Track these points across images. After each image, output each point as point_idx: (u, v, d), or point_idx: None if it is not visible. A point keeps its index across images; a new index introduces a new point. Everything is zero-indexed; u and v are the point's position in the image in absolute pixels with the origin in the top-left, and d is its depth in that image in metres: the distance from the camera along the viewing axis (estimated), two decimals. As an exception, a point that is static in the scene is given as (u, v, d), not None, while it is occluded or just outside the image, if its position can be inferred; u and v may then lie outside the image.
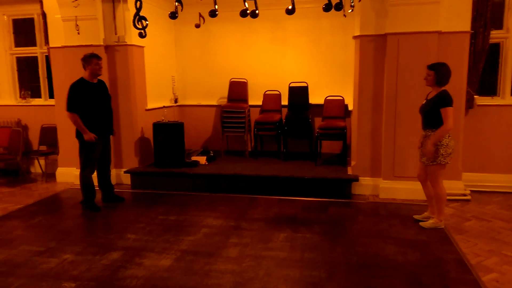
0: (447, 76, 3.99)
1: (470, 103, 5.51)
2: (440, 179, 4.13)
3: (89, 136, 4.72)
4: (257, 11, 5.59)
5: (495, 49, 5.63)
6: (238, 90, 7.08)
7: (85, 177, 4.89)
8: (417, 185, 5.13)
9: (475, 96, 5.53)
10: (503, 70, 5.65)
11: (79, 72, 5.85)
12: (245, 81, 7.08)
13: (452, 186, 5.24)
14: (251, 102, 7.02)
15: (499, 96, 5.73)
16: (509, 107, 5.59)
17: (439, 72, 3.96)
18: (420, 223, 4.29)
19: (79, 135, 4.83)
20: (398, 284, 3.11)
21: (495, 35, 5.50)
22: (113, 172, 6.08)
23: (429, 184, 4.27)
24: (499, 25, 5.54)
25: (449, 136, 3.99)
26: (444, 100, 3.93)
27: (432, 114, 4.02)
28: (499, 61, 5.66)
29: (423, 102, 4.19)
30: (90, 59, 4.75)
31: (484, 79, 5.70)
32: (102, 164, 5.11)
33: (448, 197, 5.14)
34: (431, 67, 4.03)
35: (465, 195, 5.22)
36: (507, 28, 5.54)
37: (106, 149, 5.07)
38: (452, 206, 4.97)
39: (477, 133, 5.63)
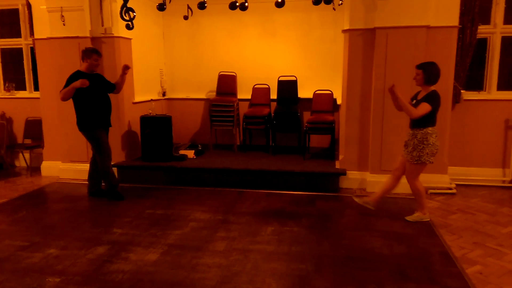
0: (435, 75, 3.96)
1: (457, 98, 5.55)
2: (417, 177, 4.17)
3: (79, 81, 4.57)
4: (246, 4, 5.57)
5: (483, 44, 5.68)
6: (227, 83, 7.04)
7: (105, 165, 4.92)
8: (404, 179, 5.17)
9: (462, 91, 5.58)
10: (490, 65, 5.70)
11: (65, 64, 5.79)
12: (234, 74, 7.04)
13: (438, 180, 5.30)
14: (240, 96, 6.99)
15: (485, 91, 5.79)
16: (495, 102, 5.65)
17: (427, 71, 3.95)
18: (406, 217, 4.33)
19: (81, 126, 4.82)
20: (384, 277, 3.13)
21: (482, 30, 5.54)
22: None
23: (398, 180, 4.29)
24: (486, 20, 5.58)
25: (436, 136, 4.00)
26: (431, 98, 3.92)
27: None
28: (486, 56, 5.71)
29: (413, 102, 4.13)
30: (90, 54, 4.78)
31: (471, 74, 5.75)
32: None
33: (433, 191, 5.23)
34: (419, 66, 4.02)
35: (450, 188, 5.28)
36: (494, 23, 5.58)
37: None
38: (438, 200, 5.02)
39: (463, 128, 5.69)
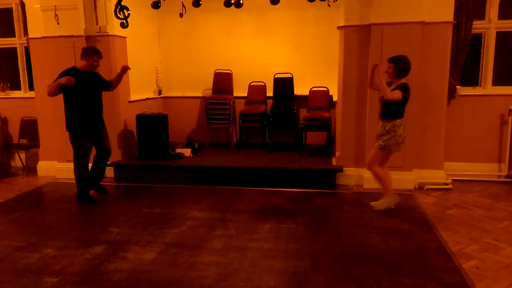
0: (405, 68, 4.14)
1: (452, 93, 5.57)
2: (377, 163, 4.36)
3: (64, 78, 4.41)
4: (241, 1, 5.57)
5: (478, 39, 5.69)
6: (223, 81, 7.02)
7: (78, 169, 4.80)
8: (401, 175, 5.22)
9: (457, 86, 5.60)
10: (485, 60, 5.72)
11: (60, 63, 5.75)
12: (230, 72, 7.03)
13: (434, 175, 5.33)
14: (236, 94, 6.98)
15: (481, 86, 5.81)
16: (490, 97, 5.67)
17: (398, 65, 4.14)
18: (371, 203, 4.49)
19: (70, 127, 4.73)
20: (381, 272, 3.14)
21: (477, 26, 5.55)
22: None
23: (386, 171, 4.47)
24: (481, 16, 5.59)
25: (404, 128, 4.18)
26: (402, 88, 4.11)
27: (390, 105, 4.16)
28: (481, 51, 5.73)
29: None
30: (92, 54, 4.67)
31: (466, 70, 5.77)
32: (100, 155, 4.98)
33: (430, 186, 5.26)
34: (390, 60, 4.20)
35: (446, 184, 5.30)
36: (489, 19, 5.60)
37: (101, 140, 4.92)
38: (434, 195, 5.04)
39: (459, 123, 5.71)
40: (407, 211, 4.49)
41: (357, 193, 5.17)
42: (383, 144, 4.22)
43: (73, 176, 5.92)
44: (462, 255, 3.46)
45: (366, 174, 5.34)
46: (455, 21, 5.20)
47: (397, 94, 4.07)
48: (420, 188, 5.28)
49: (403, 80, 4.18)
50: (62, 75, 4.59)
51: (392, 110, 4.18)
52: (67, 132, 4.76)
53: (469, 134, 5.72)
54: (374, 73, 4.25)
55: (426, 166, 5.33)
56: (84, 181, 4.88)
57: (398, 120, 4.18)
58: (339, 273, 3.16)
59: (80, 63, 4.76)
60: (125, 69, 4.95)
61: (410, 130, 5.13)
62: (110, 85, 5.00)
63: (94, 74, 4.87)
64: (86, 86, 4.67)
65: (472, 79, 5.84)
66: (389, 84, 4.23)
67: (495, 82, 5.76)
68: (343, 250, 3.56)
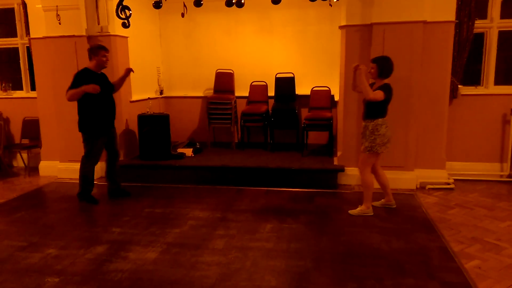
0: (388, 69, 4.14)
1: (454, 93, 5.56)
2: (368, 167, 4.31)
3: (90, 86, 4.47)
4: (242, 1, 5.55)
5: (479, 39, 5.68)
6: (224, 81, 7.02)
7: (85, 169, 4.80)
8: (402, 175, 5.22)
9: (459, 86, 5.58)
10: (487, 60, 5.71)
11: (62, 63, 5.78)
12: (232, 72, 7.03)
13: (436, 175, 5.32)
14: (237, 93, 6.98)
15: (483, 85, 5.79)
16: (492, 96, 5.66)
17: (381, 65, 4.13)
18: (349, 211, 4.42)
19: (82, 128, 4.73)
20: (383, 272, 3.14)
21: (479, 25, 5.54)
22: (98, 165, 5.98)
23: (381, 172, 4.46)
24: (483, 15, 5.58)
25: (386, 127, 4.16)
26: (384, 88, 4.09)
27: (372, 106, 4.15)
28: (483, 51, 5.71)
29: None
30: (97, 51, 4.64)
31: (468, 69, 5.75)
32: (112, 156, 4.99)
33: (431, 186, 5.25)
34: (374, 60, 4.21)
35: (448, 183, 5.29)
36: (491, 18, 5.58)
37: (112, 141, 4.93)
38: (436, 195, 5.03)
39: (461, 123, 5.70)
40: (409, 211, 4.48)
41: (358, 193, 5.15)
42: (369, 145, 4.19)
43: (74, 176, 5.96)
44: (464, 255, 3.45)
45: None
46: (457, 21, 5.18)
47: (379, 95, 4.05)
48: (422, 188, 5.27)
49: (386, 81, 4.17)
50: (77, 78, 4.58)
51: (374, 110, 4.16)
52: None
53: (471, 133, 5.71)
54: (356, 74, 4.19)
55: (428, 165, 5.31)
56: (88, 181, 4.87)
57: (380, 120, 4.15)
58: (340, 273, 3.15)
59: (90, 64, 4.71)
60: (128, 71, 4.93)
61: (412, 130, 5.14)
62: (113, 88, 4.95)
63: (103, 75, 4.83)
64: (101, 87, 4.60)
65: (474, 79, 5.82)
66: (372, 85, 4.22)
67: (497, 82, 5.74)
68: (345, 250, 3.55)
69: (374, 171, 4.44)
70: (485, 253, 3.48)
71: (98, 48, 4.68)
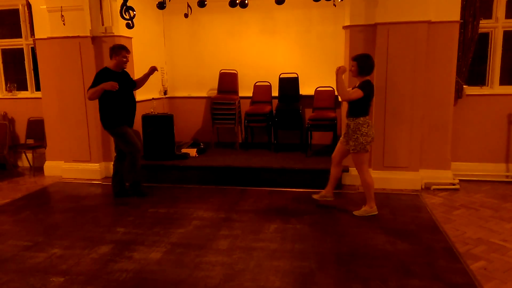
0: (368, 66, 4.12)
1: (459, 93, 5.53)
2: (365, 167, 4.31)
3: (108, 83, 4.50)
4: (246, 1, 5.55)
5: (485, 38, 5.65)
6: (228, 81, 7.02)
7: (138, 160, 4.87)
8: (407, 175, 5.21)
9: (464, 86, 5.55)
10: (492, 59, 5.67)
11: (66, 64, 5.80)
12: (235, 72, 7.03)
13: (441, 176, 5.29)
14: (241, 94, 6.98)
15: (488, 86, 5.76)
16: (498, 96, 5.63)
17: (361, 63, 4.12)
18: (354, 212, 4.40)
19: (107, 125, 4.75)
20: (387, 273, 3.13)
21: (484, 25, 5.51)
22: (102, 165, 6.03)
23: (337, 166, 4.51)
24: (488, 15, 5.55)
25: (368, 126, 4.16)
26: (362, 85, 4.09)
27: (354, 104, 4.16)
28: (488, 50, 5.68)
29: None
30: (119, 50, 4.67)
31: (473, 69, 5.72)
32: (122, 156, 4.98)
33: (436, 187, 5.22)
34: (354, 58, 4.18)
35: (454, 184, 5.26)
36: (496, 18, 5.55)
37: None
38: (441, 195, 5.01)
39: (466, 123, 5.67)
40: (413, 211, 4.46)
41: (362, 193, 5.09)
42: (354, 145, 4.19)
43: (79, 176, 6.01)
44: (470, 256, 3.43)
45: (373, 174, 5.29)
46: (461, 20, 5.16)
47: (356, 94, 4.05)
48: (427, 188, 5.25)
49: (367, 78, 4.15)
50: (97, 77, 4.61)
51: (355, 108, 4.14)
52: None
53: (476, 134, 5.68)
54: (338, 75, 4.16)
55: (433, 166, 5.29)
56: (139, 172, 4.98)
57: (362, 118, 4.13)
58: (345, 273, 3.14)
59: (110, 63, 4.75)
60: (153, 70, 4.94)
61: (417, 130, 5.12)
62: (135, 85, 5.01)
63: (125, 73, 4.87)
64: (121, 85, 4.63)
65: (479, 79, 5.79)
66: (353, 88, 4.22)
67: (503, 82, 5.71)
68: (349, 250, 3.54)
69: (337, 162, 4.49)
70: (491, 254, 3.45)
71: (120, 48, 4.70)
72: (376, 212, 4.34)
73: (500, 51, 5.62)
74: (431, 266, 3.23)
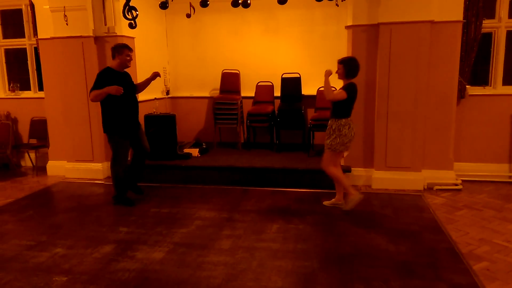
0: (354, 69, 4.24)
1: (462, 93, 5.52)
2: (331, 164, 4.39)
3: (113, 88, 4.37)
4: (249, 1, 5.57)
5: (487, 38, 5.63)
6: (230, 81, 7.03)
7: (116, 171, 4.70)
8: (410, 175, 5.20)
9: (467, 86, 5.54)
10: (495, 59, 5.66)
11: (69, 63, 5.82)
12: (238, 72, 7.03)
13: (444, 176, 5.28)
14: (243, 94, 6.98)
15: (491, 86, 5.74)
16: (500, 96, 5.61)
17: (347, 65, 4.22)
18: (343, 208, 4.48)
19: (107, 129, 4.64)
20: (390, 274, 3.12)
21: (487, 25, 5.49)
22: (104, 165, 6.05)
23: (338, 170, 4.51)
24: (491, 15, 5.53)
25: (349, 128, 4.23)
26: (346, 87, 4.21)
27: (337, 105, 4.24)
28: (491, 50, 5.67)
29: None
30: (122, 49, 4.55)
31: (476, 69, 5.71)
32: (139, 154, 4.90)
33: (439, 187, 5.22)
34: (340, 61, 4.29)
35: (456, 184, 5.25)
36: (499, 18, 5.53)
37: (140, 140, 4.85)
38: (444, 196, 5.00)
39: (468, 123, 5.66)
40: (416, 212, 4.45)
41: (365, 193, 5.13)
42: (330, 143, 4.28)
43: (82, 176, 6.03)
44: (472, 256, 3.42)
45: (375, 174, 5.32)
46: (464, 20, 5.15)
47: (340, 95, 4.16)
48: (430, 188, 5.24)
49: (352, 81, 4.25)
50: (100, 78, 4.52)
51: (338, 110, 4.25)
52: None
53: (479, 134, 5.66)
54: (325, 77, 4.32)
55: (435, 166, 5.28)
56: (122, 183, 4.79)
57: (344, 120, 4.24)
58: (347, 274, 3.14)
59: (113, 63, 4.62)
60: (155, 75, 4.82)
61: (419, 130, 5.11)
62: (136, 89, 4.87)
63: (127, 74, 4.76)
64: (124, 86, 4.51)
65: (482, 79, 5.78)
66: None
67: (506, 82, 5.69)
68: (352, 250, 3.54)
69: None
70: (494, 255, 3.45)
71: (122, 47, 4.58)
72: (361, 196, 4.42)
73: (503, 51, 5.60)
74: (433, 267, 3.23)
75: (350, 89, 4.21)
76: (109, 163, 6.00)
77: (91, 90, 4.54)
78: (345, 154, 4.51)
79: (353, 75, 4.26)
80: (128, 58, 4.60)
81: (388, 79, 5.07)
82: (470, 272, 3.13)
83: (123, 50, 4.56)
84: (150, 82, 4.94)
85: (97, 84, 4.51)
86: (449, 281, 3.01)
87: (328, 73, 4.29)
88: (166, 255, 3.52)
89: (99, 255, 3.54)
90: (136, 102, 4.83)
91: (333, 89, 4.50)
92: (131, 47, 4.71)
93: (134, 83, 4.92)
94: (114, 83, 4.46)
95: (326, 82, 4.25)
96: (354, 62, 4.25)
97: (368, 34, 5.18)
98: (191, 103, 7.40)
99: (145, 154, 4.95)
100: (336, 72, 4.32)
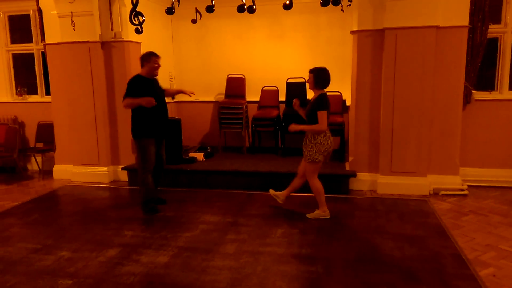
0: (324, 80, 4.21)
1: (468, 98, 5.50)
2: (314, 175, 4.34)
3: (145, 99, 4.40)
4: (254, 6, 5.57)
5: (493, 43, 5.61)
6: (235, 86, 7.05)
7: (146, 180, 4.61)
8: (415, 181, 5.18)
9: (473, 91, 5.52)
10: (501, 64, 5.63)
11: (76, 68, 5.87)
12: (243, 77, 7.05)
13: (450, 181, 5.25)
14: (248, 98, 7.00)
15: (497, 91, 5.72)
16: (507, 102, 5.58)
17: (317, 75, 4.21)
18: (307, 215, 4.45)
19: (136, 134, 4.61)
20: (395, 279, 3.11)
21: (493, 30, 5.47)
22: (110, 169, 6.08)
23: (300, 178, 4.52)
24: (497, 20, 5.52)
25: (324, 136, 4.20)
26: (321, 103, 4.15)
27: (311, 115, 4.21)
28: (497, 55, 5.64)
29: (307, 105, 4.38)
30: (149, 57, 4.57)
31: (482, 74, 5.69)
32: (159, 163, 4.82)
33: (445, 192, 5.18)
34: (311, 70, 4.28)
35: (462, 190, 5.21)
36: (505, 23, 5.52)
37: (160, 150, 4.77)
38: (450, 201, 4.97)
39: (474, 128, 5.63)
40: (421, 217, 4.43)
41: (370, 198, 5.12)
42: (308, 154, 4.24)
43: (87, 180, 6.06)
44: (479, 262, 3.39)
45: (380, 179, 5.30)
46: (470, 25, 5.13)
47: (324, 117, 4.10)
48: (435, 194, 5.21)
49: (323, 91, 4.23)
50: (131, 84, 4.53)
51: (314, 119, 4.18)
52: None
53: (485, 139, 5.63)
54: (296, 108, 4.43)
55: (441, 171, 5.25)
56: (151, 192, 4.72)
57: None
58: (352, 279, 3.13)
59: (142, 71, 4.63)
60: (186, 92, 5.03)
61: (425, 135, 5.09)
62: (163, 93, 4.87)
63: (155, 81, 4.75)
64: (154, 93, 4.54)
65: (488, 84, 5.75)
66: (309, 100, 4.33)
67: (512, 87, 5.67)
68: (357, 256, 3.53)
69: (301, 175, 4.49)
70: (500, 261, 3.42)
71: (150, 54, 4.61)
72: (329, 216, 4.39)
73: (510, 56, 5.57)
74: (439, 273, 3.20)
75: (322, 103, 4.14)
76: (114, 167, 6.09)
77: (124, 98, 4.54)
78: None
79: (323, 85, 4.23)
80: (156, 65, 4.61)
81: (394, 84, 5.06)
82: (476, 279, 3.10)
83: (150, 58, 4.59)
84: (178, 94, 5.02)
85: (129, 92, 4.52)
86: (455, 287, 2.99)
87: (297, 105, 4.41)
88: (170, 259, 3.52)
89: (104, 259, 3.55)
90: (165, 106, 4.79)
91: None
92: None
93: (164, 88, 4.94)
94: (144, 90, 4.48)
95: (307, 127, 4.24)
96: (324, 73, 4.22)
97: (373, 39, 5.19)
98: (196, 107, 7.43)
99: (162, 163, 4.90)
100: (307, 82, 4.34)
